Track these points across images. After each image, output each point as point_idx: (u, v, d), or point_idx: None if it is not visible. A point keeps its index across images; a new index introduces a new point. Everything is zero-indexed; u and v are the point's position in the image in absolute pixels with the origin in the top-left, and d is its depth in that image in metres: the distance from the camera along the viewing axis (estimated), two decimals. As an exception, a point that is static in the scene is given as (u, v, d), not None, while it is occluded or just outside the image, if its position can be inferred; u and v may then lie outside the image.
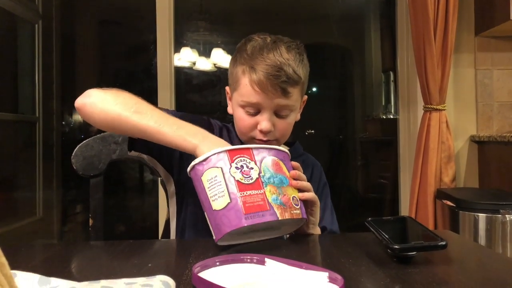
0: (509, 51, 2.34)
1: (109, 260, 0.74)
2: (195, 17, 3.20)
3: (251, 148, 0.78)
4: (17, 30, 2.95)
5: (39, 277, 0.51)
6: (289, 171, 0.82)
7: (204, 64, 3.18)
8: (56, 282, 0.51)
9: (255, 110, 0.97)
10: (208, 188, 0.75)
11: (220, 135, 1.05)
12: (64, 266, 0.70)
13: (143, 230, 3.21)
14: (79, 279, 0.52)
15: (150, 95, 2.61)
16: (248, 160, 0.76)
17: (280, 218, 0.73)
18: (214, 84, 3.18)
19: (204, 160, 0.76)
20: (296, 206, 0.77)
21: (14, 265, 0.44)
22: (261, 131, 0.97)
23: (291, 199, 0.77)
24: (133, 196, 3.31)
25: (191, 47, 3.14)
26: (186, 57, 3.11)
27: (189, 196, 0.98)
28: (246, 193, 0.73)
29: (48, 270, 0.58)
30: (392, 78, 3.00)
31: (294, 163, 0.85)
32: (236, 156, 0.76)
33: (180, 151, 0.96)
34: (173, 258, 0.73)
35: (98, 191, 1.15)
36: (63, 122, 3.22)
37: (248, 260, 0.65)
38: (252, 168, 0.75)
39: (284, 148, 0.85)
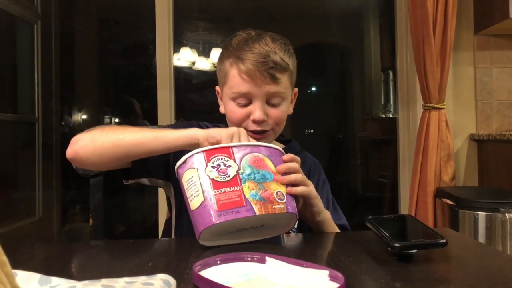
0: (508, 50, 2.34)
1: (109, 260, 0.74)
2: (195, 16, 3.20)
3: (231, 147, 0.78)
4: (16, 31, 2.94)
5: (39, 276, 0.51)
6: (276, 166, 0.80)
7: (203, 64, 3.18)
8: (57, 281, 0.51)
9: (246, 100, 0.96)
10: (187, 189, 0.76)
11: None
12: (65, 265, 0.70)
13: (143, 230, 3.21)
14: (80, 279, 0.52)
15: (149, 95, 2.61)
16: (226, 159, 0.76)
17: (257, 214, 0.72)
18: (214, 84, 3.17)
19: (184, 162, 0.77)
20: (280, 201, 0.75)
21: (15, 264, 0.44)
22: (254, 121, 0.96)
23: (275, 194, 0.75)
24: (133, 196, 3.31)
25: (191, 47, 3.14)
26: (186, 57, 3.11)
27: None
28: (221, 190, 0.73)
29: (48, 269, 0.58)
30: (391, 77, 3.00)
31: (287, 156, 0.83)
32: (213, 156, 0.76)
33: (173, 157, 0.97)
34: (173, 257, 0.73)
35: (98, 191, 1.15)
36: (63, 122, 3.22)
37: (249, 259, 0.65)
38: (229, 166, 0.75)
39: (273, 144, 0.84)
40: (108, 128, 0.91)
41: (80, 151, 0.88)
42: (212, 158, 0.75)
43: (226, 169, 0.75)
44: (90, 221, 1.14)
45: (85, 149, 0.88)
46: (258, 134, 0.97)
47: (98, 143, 0.88)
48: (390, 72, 3.03)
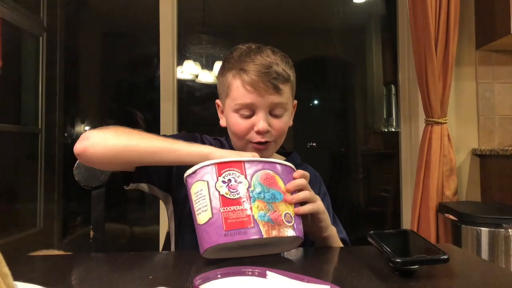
0: (510, 65, 2.35)
1: (110, 272, 0.74)
2: (198, 30, 3.23)
3: (243, 161, 0.76)
4: (22, 43, 2.97)
5: (40, 289, 0.51)
6: (286, 184, 0.78)
7: (206, 77, 3.19)
8: (57, 294, 0.51)
9: (250, 112, 0.97)
10: (195, 201, 0.74)
11: None
12: (65, 277, 0.70)
13: (144, 242, 3.19)
14: (80, 291, 0.52)
15: (152, 107, 2.63)
16: (238, 174, 0.74)
17: (265, 236, 0.70)
18: (217, 97, 3.19)
19: (194, 172, 0.76)
20: (287, 223, 0.73)
21: (15, 276, 0.44)
22: (258, 132, 0.96)
23: (283, 215, 0.73)
24: (134, 208, 3.30)
25: (194, 60, 3.16)
26: (189, 70, 3.13)
27: (187, 216, 0.96)
28: (230, 208, 0.71)
29: (48, 281, 0.58)
30: (393, 91, 3.01)
31: (297, 173, 0.82)
32: (225, 170, 0.74)
33: (176, 170, 0.97)
34: (174, 270, 0.72)
35: (99, 203, 1.15)
36: (66, 134, 3.23)
37: (250, 273, 0.65)
38: (240, 182, 0.73)
39: (284, 161, 0.82)
40: (121, 130, 0.89)
41: (89, 148, 0.87)
42: (224, 172, 0.74)
43: (237, 186, 0.73)
44: (91, 233, 1.14)
45: (95, 147, 0.87)
46: (261, 145, 0.98)
47: (110, 144, 0.87)
48: (392, 87, 3.04)
